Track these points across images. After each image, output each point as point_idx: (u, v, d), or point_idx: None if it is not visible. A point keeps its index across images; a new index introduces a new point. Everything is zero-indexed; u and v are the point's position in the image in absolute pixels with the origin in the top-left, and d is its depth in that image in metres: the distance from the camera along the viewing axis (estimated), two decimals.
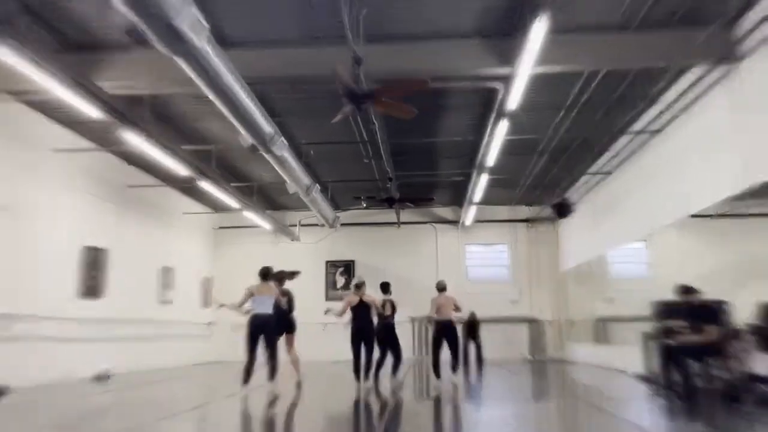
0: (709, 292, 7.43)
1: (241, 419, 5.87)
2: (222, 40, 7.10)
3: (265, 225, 14.30)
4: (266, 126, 7.85)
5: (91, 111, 6.85)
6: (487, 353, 14.89)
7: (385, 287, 9.14)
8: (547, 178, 13.66)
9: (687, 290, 7.03)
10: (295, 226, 16.22)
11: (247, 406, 6.50)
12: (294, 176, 10.30)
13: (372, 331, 8.45)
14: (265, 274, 7.67)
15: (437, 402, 6.99)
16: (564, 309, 15.85)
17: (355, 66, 6.73)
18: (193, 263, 15.55)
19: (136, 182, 12.43)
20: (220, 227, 16.95)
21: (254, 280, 7.54)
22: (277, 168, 9.76)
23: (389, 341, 8.71)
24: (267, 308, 7.38)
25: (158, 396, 8.24)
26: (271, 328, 7.48)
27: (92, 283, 10.94)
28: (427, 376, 10.18)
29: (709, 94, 7.89)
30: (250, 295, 7.42)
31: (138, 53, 7.31)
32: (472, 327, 13.71)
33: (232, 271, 16.52)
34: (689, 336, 6.89)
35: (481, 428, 5.21)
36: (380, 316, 8.63)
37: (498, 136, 9.16)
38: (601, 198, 12.61)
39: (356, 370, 8.31)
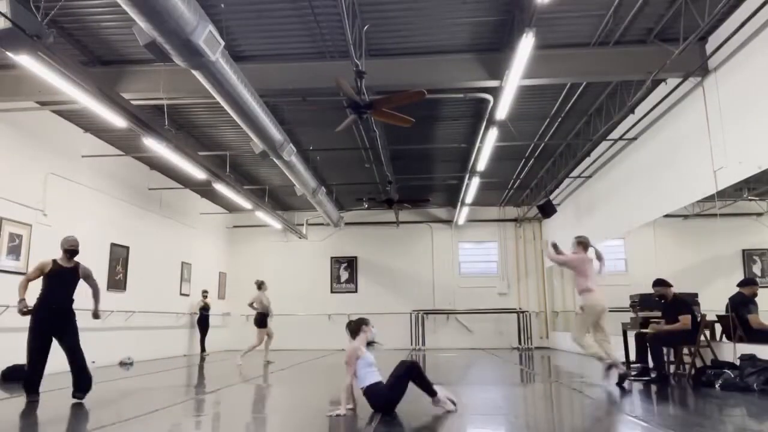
0: (682, 286, 7.42)
1: (250, 402, 5.86)
2: (236, 54, 7.10)
3: (276, 224, 14.27)
4: (276, 134, 7.83)
5: (116, 120, 6.83)
6: (478, 342, 14.93)
7: None
8: (533, 181, 13.68)
9: (662, 284, 7.01)
10: (303, 225, 16.20)
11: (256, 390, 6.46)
12: (302, 180, 10.28)
13: None
14: None
15: None
16: (549, 301, 15.83)
17: (358, 79, 6.72)
18: (209, 259, 15.52)
19: (157, 185, 12.42)
20: (234, 226, 16.92)
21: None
22: (286, 172, 9.75)
23: None
24: None
25: (177, 381, 8.22)
26: None
27: (118, 278, 10.95)
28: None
29: (681, 104, 7.88)
30: None
31: (158, 66, 7.31)
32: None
33: (245, 266, 16.52)
34: (663, 326, 6.90)
35: (475, 408, 5.20)
36: None
37: (488, 143, 9.15)
38: (583, 199, 12.59)
39: None
